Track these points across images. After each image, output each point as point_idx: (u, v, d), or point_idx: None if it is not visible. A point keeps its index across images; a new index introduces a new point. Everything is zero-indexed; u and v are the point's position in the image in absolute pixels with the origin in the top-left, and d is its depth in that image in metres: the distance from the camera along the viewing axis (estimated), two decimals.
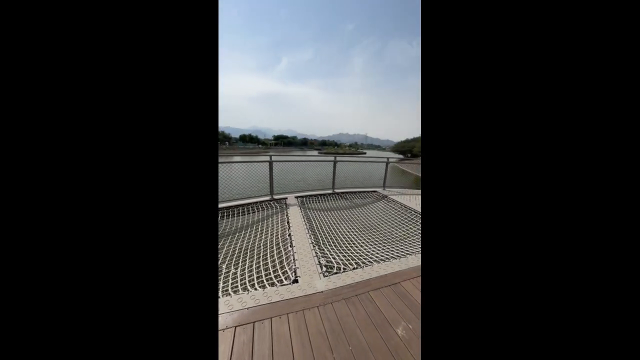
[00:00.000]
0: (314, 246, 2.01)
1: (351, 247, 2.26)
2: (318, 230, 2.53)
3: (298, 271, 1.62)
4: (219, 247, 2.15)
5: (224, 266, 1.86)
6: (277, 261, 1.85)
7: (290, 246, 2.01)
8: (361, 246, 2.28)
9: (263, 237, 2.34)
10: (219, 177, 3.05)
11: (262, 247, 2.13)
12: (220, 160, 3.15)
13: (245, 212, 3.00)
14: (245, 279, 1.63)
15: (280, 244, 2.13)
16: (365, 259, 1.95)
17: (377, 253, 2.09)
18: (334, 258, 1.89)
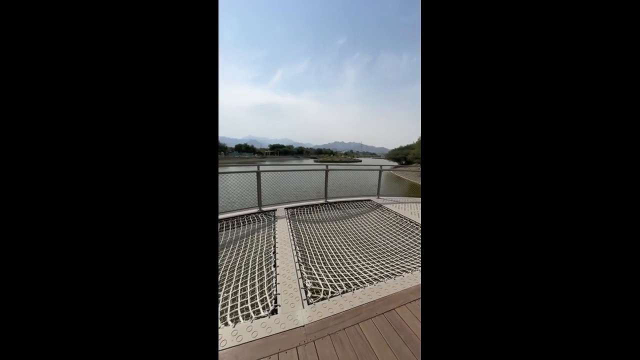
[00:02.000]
0: (299, 265, 1.81)
1: (342, 264, 2.06)
2: (306, 246, 2.32)
3: (279, 298, 1.40)
4: None
5: None
6: (257, 285, 1.63)
7: (274, 266, 1.79)
8: (353, 262, 2.08)
9: (245, 255, 2.11)
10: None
11: (242, 267, 1.91)
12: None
13: (230, 226, 2.77)
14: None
15: (264, 264, 1.91)
16: (356, 278, 1.75)
17: (370, 270, 1.89)
18: (321, 279, 1.69)
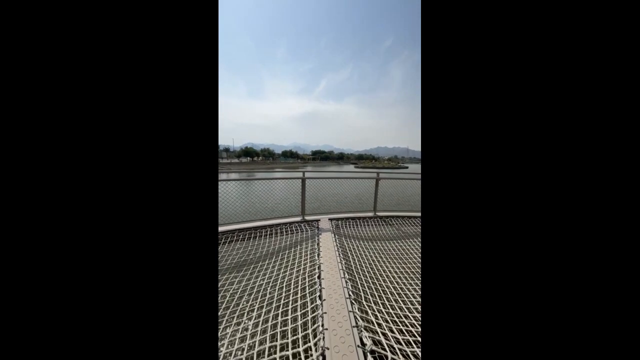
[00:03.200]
0: (351, 304, 1.40)
1: (405, 302, 1.54)
2: (357, 272, 1.90)
3: (327, 356, 1.04)
4: (220, 284, 1.74)
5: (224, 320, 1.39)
6: (299, 323, 1.31)
7: (319, 298, 1.45)
8: (419, 304, 1.53)
9: (287, 273, 1.87)
10: (253, 193, 3.09)
11: (278, 290, 1.65)
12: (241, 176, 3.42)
13: (270, 234, 2.64)
14: (239, 352, 1.12)
15: (307, 292, 1.60)
16: None
17: None
18: (382, 331, 1.23)
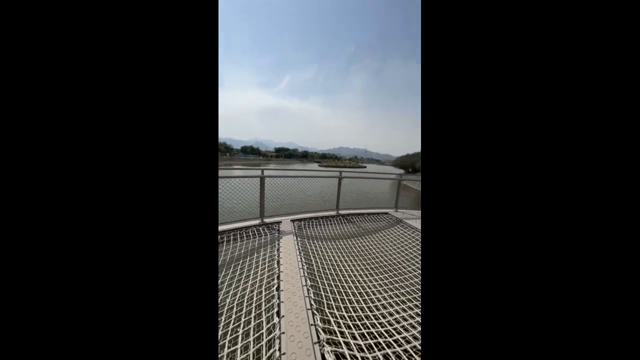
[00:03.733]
0: (314, 314, 1.27)
1: (367, 301, 1.52)
2: (320, 277, 1.79)
3: None
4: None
5: None
6: (251, 349, 1.09)
7: (277, 315, 1.27)
8: (384, 307, 1.53)
9: (239, 288, 1.60)
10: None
11: (227, 312, 1.38)
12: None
13: (225, 241, 2.28)
14: None
15: (263, 306, 1.39)
16: (396, 335, 1.21)
17: (411, 317, 1.35)
18: (344, 339, 1.15)
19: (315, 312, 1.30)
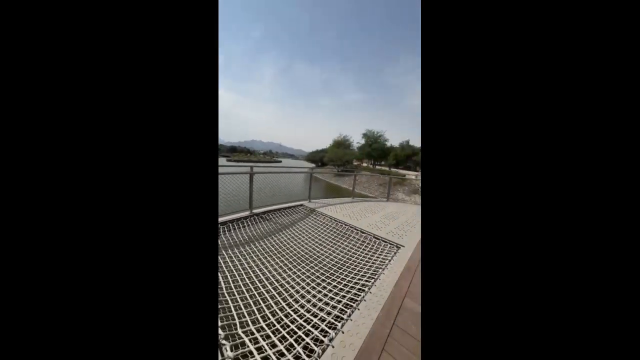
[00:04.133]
0: (222, 346, 1.06)
1: (286, 299, 1.51)
2: (231, 295, 1.55)
3: None
4: None
5: None
6: None
7: None
8: (303, 297, 1.58)
9: None
10: None
11: None
12: None
13: None
14: None
15: None
16: (305, 334, 1.27)
17: (327, 300, 1.49)
18: (262, 354, 1.06)
19: (223, 341, 1.09)
